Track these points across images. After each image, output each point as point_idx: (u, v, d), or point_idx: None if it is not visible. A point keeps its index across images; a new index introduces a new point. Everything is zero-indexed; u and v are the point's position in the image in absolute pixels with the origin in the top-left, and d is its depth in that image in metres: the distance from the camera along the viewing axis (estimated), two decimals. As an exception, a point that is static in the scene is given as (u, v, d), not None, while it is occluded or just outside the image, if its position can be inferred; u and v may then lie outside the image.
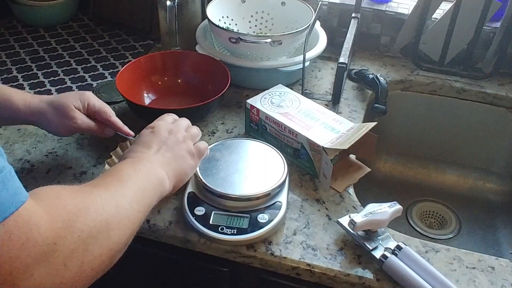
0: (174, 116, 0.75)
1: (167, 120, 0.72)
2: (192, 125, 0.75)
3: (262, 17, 1.09)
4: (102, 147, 0.86)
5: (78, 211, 0.46)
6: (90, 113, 0.78)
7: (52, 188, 0.48)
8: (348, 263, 0.67)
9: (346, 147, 0.74)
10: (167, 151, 0.66)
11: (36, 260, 0.41)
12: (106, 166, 0.77)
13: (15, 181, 0.41)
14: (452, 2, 1.02)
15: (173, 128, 0.70)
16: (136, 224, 0.55)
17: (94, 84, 1.02)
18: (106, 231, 0.48)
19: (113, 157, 0.79)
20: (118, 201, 0.52)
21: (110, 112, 0.79)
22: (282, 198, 0.72)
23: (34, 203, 0.42)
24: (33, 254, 0.40)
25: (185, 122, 0.73)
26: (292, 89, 0.91)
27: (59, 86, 1.01)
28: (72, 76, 1.06)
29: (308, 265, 0.67)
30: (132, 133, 0.80)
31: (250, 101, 0.86)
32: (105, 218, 0.49)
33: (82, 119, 0.77)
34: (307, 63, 0.95)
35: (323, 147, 0.76)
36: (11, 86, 1.00)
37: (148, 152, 0.65)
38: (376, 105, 0.94)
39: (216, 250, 0.70)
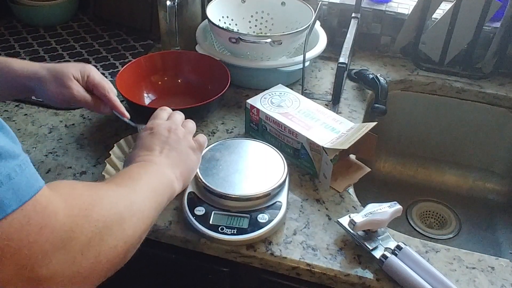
0: (168, 109, 0.74)
1: (163, 117, 0.72)
2: None
3: (262, 17, 1.09)
4: (102, 147, 0.86)
5: (94, 201, 0.47)
6: (89, 86, 0.77)
7: (67, 181, 0.49)
8: (348, 263, 0.67)
9: (346, 147, 0.74)
10: (171, 151, 0.65)
11: (54, 246, 0.41)
12: (107, 166, 0.77)
13: (32, 168, 0.42)
14: (452, 2, 1.02)
15: (171, 125, 0.69)
16: (149, 219, 0.55)
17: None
18: (120, 223, 0.49)
19: (112, 156, 0.79)
20: (130, 197, 0.53)
21: (109, 88, 0.78)
22: (282, 198, 0.72)
23: (50, 191, 0.43)
24: (52, 239, 0.41)
25: (180, 116, 0.73)
26: (292, 89, 0.91)
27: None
28: (72, 76, 1.06)
29: (308, 265, 0.67)
30: (127, 114, 0.80)
31: (250, 101, 0.86)
32: (118, 211, 0.49)
33: (79, 90, 0.76)
34: (307, 63, 0.95)
35: (323, 147, 0.76)
36: (11, 86, 1.00)
37: (152, 154, 0.64)
38: (376, 105, 0.94)
39: (216, 250, 0.70)
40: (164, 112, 0.73)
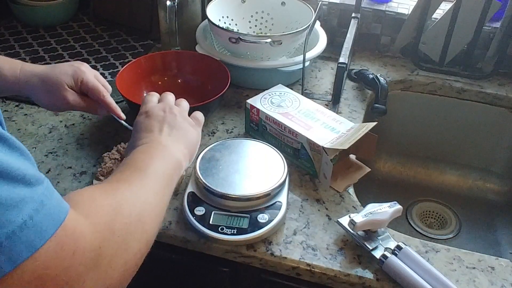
0: (156, 94, 0.73)
1: (154, 101, 0.71)
2: None
3: (262, 17, 1.09)
4: (102, 147, 0.86)
5: (114, 211, 0.47)
6: (83, 90, 0.77)
7: (84, 192, 0.49)
8: (348, 263, 0.67)
9: (346, 147, 0.74)
10: (171, 129, 0.65)
11: (87, 267, 0.41)
12: (100, 171, 0.77)
13: (56, 191, 0.41)
14: (452, 2, 1.02)
15: (165, 106, 0.68)
16: (163, 210, 0.55)
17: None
18: (140, 225, 0.49)
19: (105, 159, 0.79)
20: (143, 194, 0.53)
21: (103, 92, 0.77)
22: (282, 198, 0.72)
23: (74, 211, 0.42)
24: (84, 261, 0.41)
25: (171, 96, 0.72)
26: (292, 89, 0.91)
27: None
28: (72, 76, 1.06)
29: (308, 265, 0.67)
30: (123, 116, 0.80)
31: (250, 101, 0.86)
32: (137, 213, 0.49)
33: (75, 99, 0.75)
34: (307, 63, 0.95)
35: (323, 147, 0.76)
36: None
37: (153, 134, 0.63)
38: (376, 105, 0.94)
39: (216, 250, 0.70)
40: (154, 96, 0.72)
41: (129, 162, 0.58)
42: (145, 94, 0.95)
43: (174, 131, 0.65)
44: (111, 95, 0.85)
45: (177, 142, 0.64)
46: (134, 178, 0.55)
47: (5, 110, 0.95)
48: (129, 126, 0.80)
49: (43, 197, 0.38)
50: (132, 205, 0.49)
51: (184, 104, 0.72)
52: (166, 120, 0.66)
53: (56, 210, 0.39)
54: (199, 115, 0.73)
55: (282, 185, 0.73)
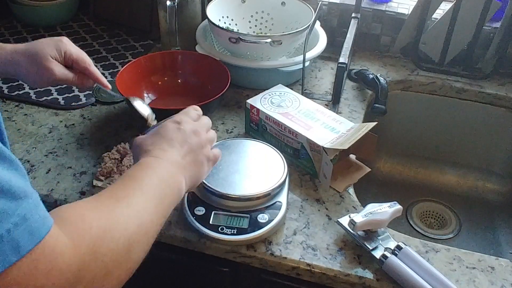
0: (199, 111, 0.70)
1: (192, 117, 0.68)
2: None
3: (262, 17, 1.09)
4: (102, 147, 0.86)
5: (103, 234, 0.45)
6: (68, 62, 0.76)
7: (75, 208, 0.47)
8: (348, 263, 0.67)
9: (346, 147, 0.74)
10: (189, 155, 0.63)
11: None
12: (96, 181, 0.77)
13: (42, 205, 0.40)
14: (452, 2, 1.02)
15: (198, 128, 0.66)
16: (153, 237, 0.53)
17: (94, 84, 1.02)
18: (127, 252, 0.47)
19: (105, 159, 0.79)
20: (140, 217, 0.51)
21: (88, 61, 0.77)
22: (282, 198, 0.72)
23: (58, 229, 0.41)
24: (58, 282, 0.39)
25: (208, 122, 0.69)
26: (292, 89, 0.91)
27: (59, 86, 1.01)
28: (72, 76, 1.06)
29: (308, 265, 0.67)
30: (109, 86, 0.80)
31: (250, 101, 0.86)
32: (127, 239, 0.47)
33: (60, 70, 0.74)
34: (307, 63, 0.95)
35: (323, 147, 0.76)
36: (11, 85, 1.00)
37: (171, 151, 0.61)
38: (376, 105, 0.94)
39: (216, 250, 0.70)
40: (196, 112, 0.69)
41: (135, 175, 0.56)
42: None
43: (190, 159, 0.62)
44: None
45: (187, 170, 0.62)
46: (134, 197, 0.53)
47: (5, 110, 0.95)
48: (115, 94, 0.82)
49: (26, 212, 0.37)
50: (123, 229, 0.47)
51: (212, 136, 0.69)
52: (190, 142, 0.63)
53: (37, 225, 0.38)
54: (217, 152, 0.69)
55: (282, 185, 0.73)
